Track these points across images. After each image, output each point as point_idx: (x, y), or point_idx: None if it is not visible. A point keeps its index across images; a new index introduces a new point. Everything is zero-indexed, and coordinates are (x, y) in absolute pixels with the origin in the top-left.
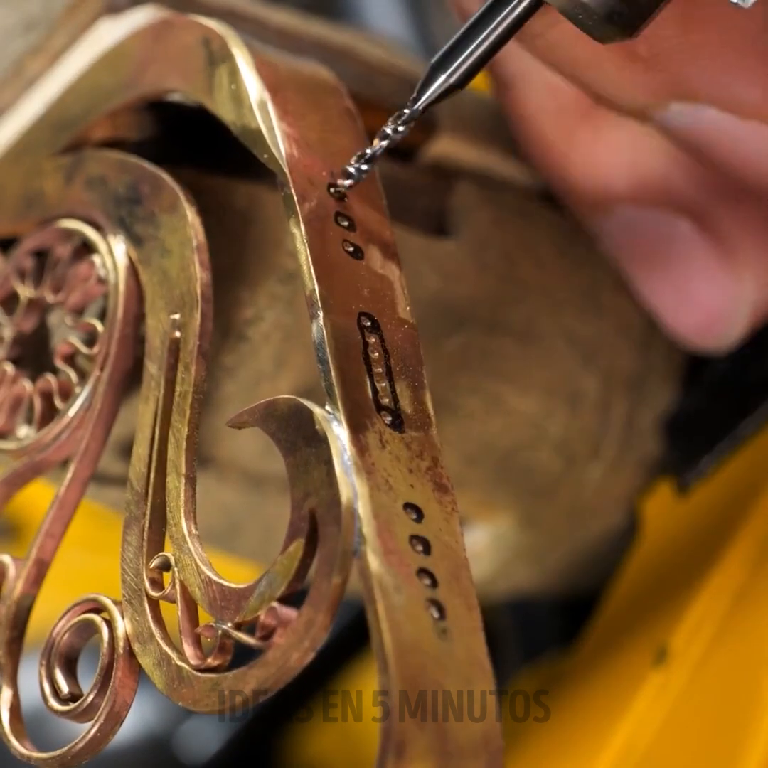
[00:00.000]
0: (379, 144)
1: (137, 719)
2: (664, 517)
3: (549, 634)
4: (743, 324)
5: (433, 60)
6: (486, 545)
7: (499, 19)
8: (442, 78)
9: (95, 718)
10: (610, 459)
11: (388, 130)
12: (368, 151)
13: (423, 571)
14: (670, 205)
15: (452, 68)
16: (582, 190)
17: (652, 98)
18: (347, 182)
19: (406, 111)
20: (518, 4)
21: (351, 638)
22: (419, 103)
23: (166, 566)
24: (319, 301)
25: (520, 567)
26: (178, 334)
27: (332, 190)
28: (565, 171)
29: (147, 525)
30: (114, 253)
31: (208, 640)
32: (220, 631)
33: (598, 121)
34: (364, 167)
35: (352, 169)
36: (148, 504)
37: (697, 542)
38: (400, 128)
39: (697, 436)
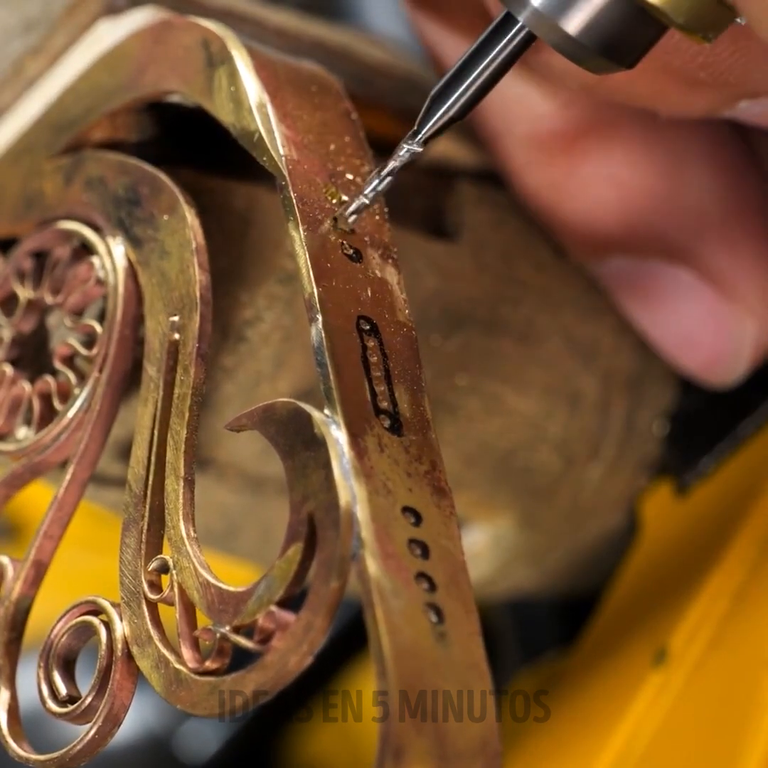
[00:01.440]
0: (379, 182)
1: (137, 719)
2: (664, 518)
3: (549, 634)
4: (747, 362)
5: (433, 91)
6: (485, 546)
7: (493, 53)
8: (442, 110)
9: (93, 720)
10: (609, 459)
11: (390, 167)
12: (369, 187)
13: (421, 575)
14: (664, 254)
15: (452, 100)
16: (573, 241)
17: (719, 105)
18: (351, 219)
19: (406, 145)
20: (512, 39)
21: (350, 638)
22: (420, 136)
23: (164, 569)
24: (317, 305)
25: (520, 567)
26: (177, 336)
27: (337, 223)
28: (554, 222)
29: (145, 527)
30: (113, 254)
31: (207, 643)
32: (218, 635)
33: (577, 159)
34: (366, 201)
35: (354, 205)
36: (147, 506)
37: (697, 543)
38: (400, 163)
39: (696, 437)
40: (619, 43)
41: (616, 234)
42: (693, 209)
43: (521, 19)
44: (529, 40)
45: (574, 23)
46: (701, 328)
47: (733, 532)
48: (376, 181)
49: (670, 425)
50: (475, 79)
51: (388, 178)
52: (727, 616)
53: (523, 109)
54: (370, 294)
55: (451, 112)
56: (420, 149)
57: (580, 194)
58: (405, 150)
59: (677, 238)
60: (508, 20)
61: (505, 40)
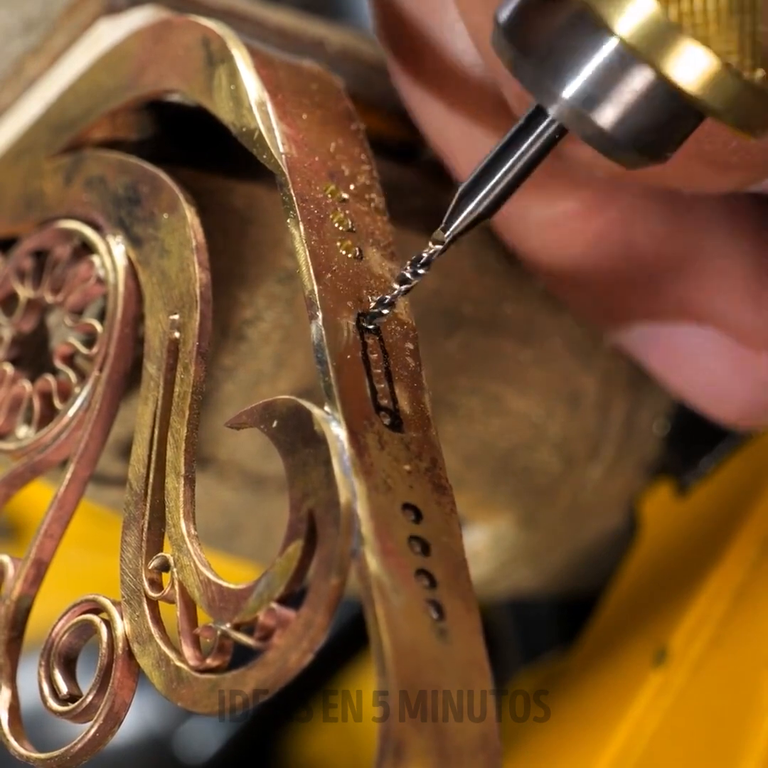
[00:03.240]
0: (401, 288)
1: (137, 719)
2: (664, 518)
3: (548, 634)
4: None
5: (461, 188)
6: (485, 545)
7: (522, 148)
8: (470, 208)
9: (94, 718)
10: (609, 459)
11: (409, 273)
12: (390, 294)
13: (422, 572)
14: (688, 316)
15: (479, 198)
16: (596, 312)
17: (747, 184)
18: (372, 325)
19: (433, 246)
20: (542, 133)
21: (351, 637)
22: (448, 233)
23: (165, 567)
24: (318, 302)
25: (520, 567)
26: (177, 334)
27: (362, 323)
28: (575, 297)
29: (146, 526)
30: (113, 253)
31: (207, 640)
32: (219, 632)
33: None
34: (386, 311)
35: (381, 304)
36: (147, 505)
37: (697, 542)
38: (423, 269)
39: (696, 437)
40: (655, 136)
41: (640, 302)
42: (714, 271)
43: (552, 112)
44: (561, 134)
45: (607, 116)
46: (732, 382)
47: (733, 532)
48: (404, 282)
49: (670, 425)
50: (503, 177)
51: (417, 278)
52: (727, 616)
53: (539, 193)
54: (370, 291)
55: (478, 210)
56: (447, 247)
57: (599, 269)
58: (433, 248)
59: (700, 300)
60: (538, 113)
61: (534, 135)
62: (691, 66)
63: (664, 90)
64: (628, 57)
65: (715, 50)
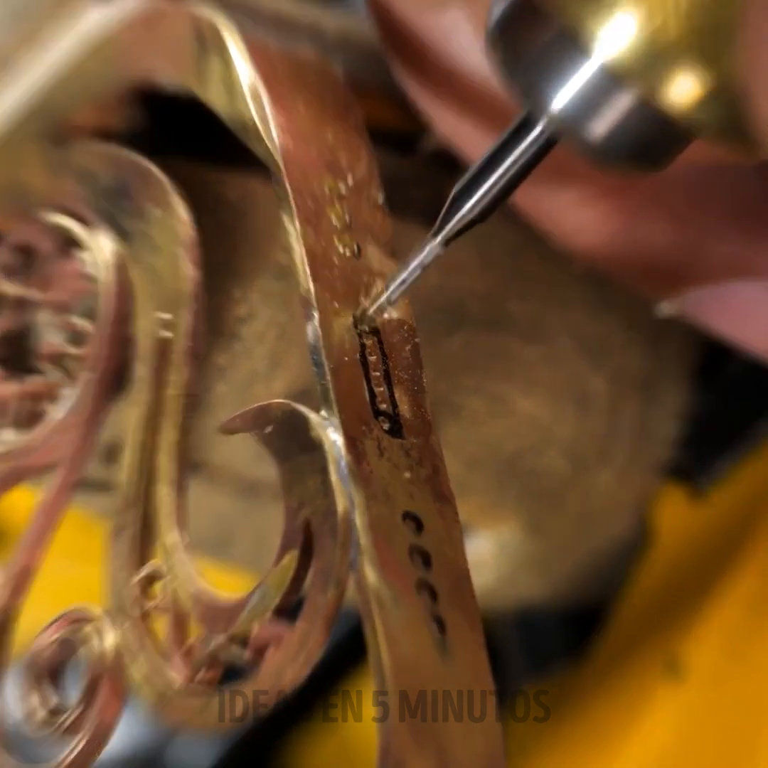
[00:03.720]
0: (398, 287)
1: (127, 732)
2: (678, 524)
3: (556, 646)
4: None
5: (454, 191)
6: (490, 553)
7: (513, 156)
8: (462, 212)
9: (81, 733)
10: (620, 463)
11: (412, 267)
12: (385, 294)
13: (423, 585)
14: (737, 273)
15: (472, 203)
16: (644, 283)
17: None
18: (371, 325)
19: (428, 245)
20: (532, 143)
21: (349, 649)
22: (440, 236)
23: (155, 577)
24: (314, 302)
25: (526, 576)
26: (167, 334)
27: (360, 324)
28: (619, 270)
29: (135, 534)
30: (102, 249)
31: (199, 654)
32: (211, 646)
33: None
34: (385, 310)
35: (376, 305)
36: (137, 512)
37: (713, 550)
38: (421, 267)
39: (712, 439)
40: (649, 149)
41: (689, 266)
42: (761, 223)
43: (541, 123)
44: (551, 143)
45: (598, 130)
46: None
47: (750, 539)
48: (398, 282)
49: (684, 427)
50: (495, 183)
51: (411, 279)
52: (745, 628)
53: (569, 174)
54: (368, 290)
55: (471, 215)
56: (441, 250)
57: (643, 242)
58: (427, 250)
59: (751, 254)
60: (528, 123)
61: (525, 144)
62: (678, 89)
63: (653, 111)
64: (613, 79)
65: (702, 73)
